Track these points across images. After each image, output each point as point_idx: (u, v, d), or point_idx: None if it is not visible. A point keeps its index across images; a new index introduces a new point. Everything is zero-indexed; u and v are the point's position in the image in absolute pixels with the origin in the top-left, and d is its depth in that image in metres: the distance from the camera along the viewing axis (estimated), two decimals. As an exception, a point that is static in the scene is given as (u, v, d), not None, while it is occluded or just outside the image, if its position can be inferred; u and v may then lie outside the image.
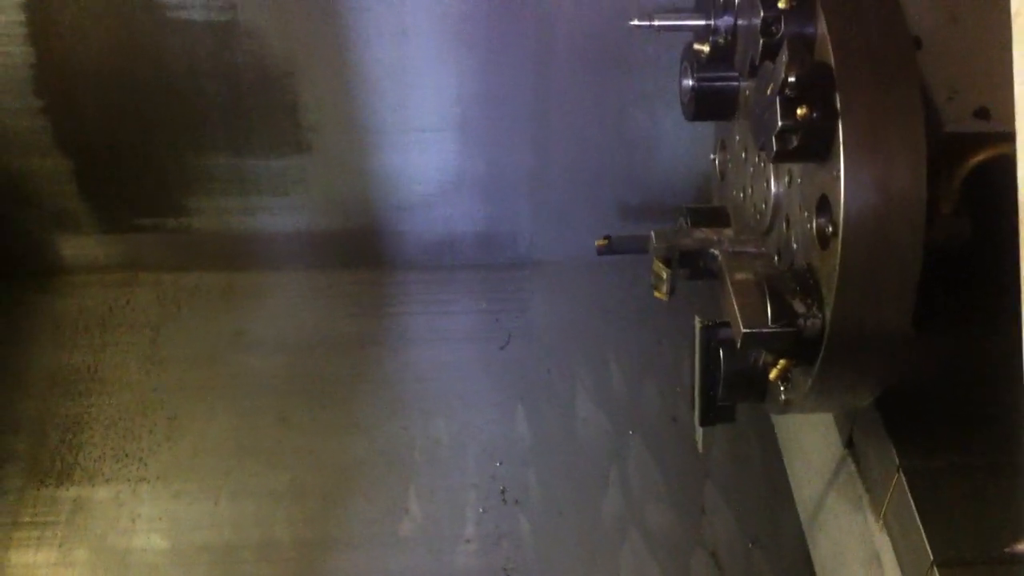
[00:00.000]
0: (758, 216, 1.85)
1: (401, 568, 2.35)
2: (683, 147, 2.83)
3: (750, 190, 1.91)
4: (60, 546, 2.36)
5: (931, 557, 1.70)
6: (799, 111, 1.45)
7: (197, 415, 2.64)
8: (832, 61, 1.44)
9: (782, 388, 1.71)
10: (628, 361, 2.81)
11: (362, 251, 3.03)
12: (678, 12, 1.92)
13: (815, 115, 1.45)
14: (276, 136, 2.75)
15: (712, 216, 2.08)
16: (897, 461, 1.83)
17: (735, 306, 1.60)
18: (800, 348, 1.57)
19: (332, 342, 2.85)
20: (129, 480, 2.49)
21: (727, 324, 1.73)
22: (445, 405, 2.69)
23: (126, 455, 2.54)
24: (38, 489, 2.46)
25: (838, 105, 1.43)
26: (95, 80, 2.60)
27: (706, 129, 2.23)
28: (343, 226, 2.97)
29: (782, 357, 1.63)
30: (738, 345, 1.59)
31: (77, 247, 2.95)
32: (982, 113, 1.66)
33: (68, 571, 2.32)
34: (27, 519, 2.41)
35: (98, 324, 2.85)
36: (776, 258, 1.75)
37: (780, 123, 1.47)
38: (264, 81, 2.62)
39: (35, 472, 2.50)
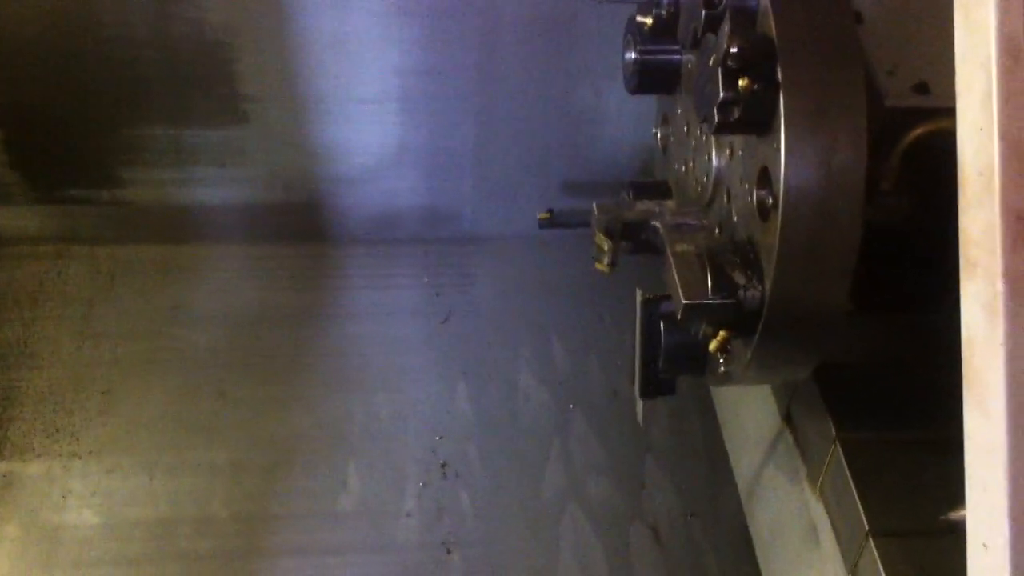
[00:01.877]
0: (699, 189, 1.85)
1: (341, 542, 2.33)
2: (628, 122, 2.83)
3: (692, 163, 1.91)
4: (-11, 522, 2.31)
5: (866, 527, 1.72)
6: (741, 83, 1.44)
7: (132, 390, 2.60)
8: (774, 33, 1.44)
9: (722, 360, 1.72)
10: (570, 336, 2.81)
11: (302, 224, 2.99)
12: (622, -17, 1.91)
13: (756, 87, 1.45)
14: (214, 106, 2.70)
15: (654, 190, 2.09)
16: (834, 433, 1.85)
17: (676, 278, 1.60)
18: (740, 320, 1.58)
19: (272, 316, 2.81)
20: (61, 455, 2.44)
21: (668, 297, 1.74)
22: (386, 380, 2.67)
23: (57, 430, 2.49)
24: (-34, 464, 2.41)
25: (780, 77, 1.43)
26: (27, 46, 2.53)
27: (651, 104, 2.23)
28: (283, 199, 2.93)
29: (722, 329, 1.64)
30: (678, 317, 1.59)
31: (8, 218, 2.88)
32: (922, 88, 1.66)
33: (-3, 547, 2.27)
34: (-45, 494, 2.36)
35: (29, 297, 2.79)
36: (717, 231, 1.75)
37: (721, 94, 1.46)
38: (202, 50, 2.57)
39: (-37, 447, 2.45)
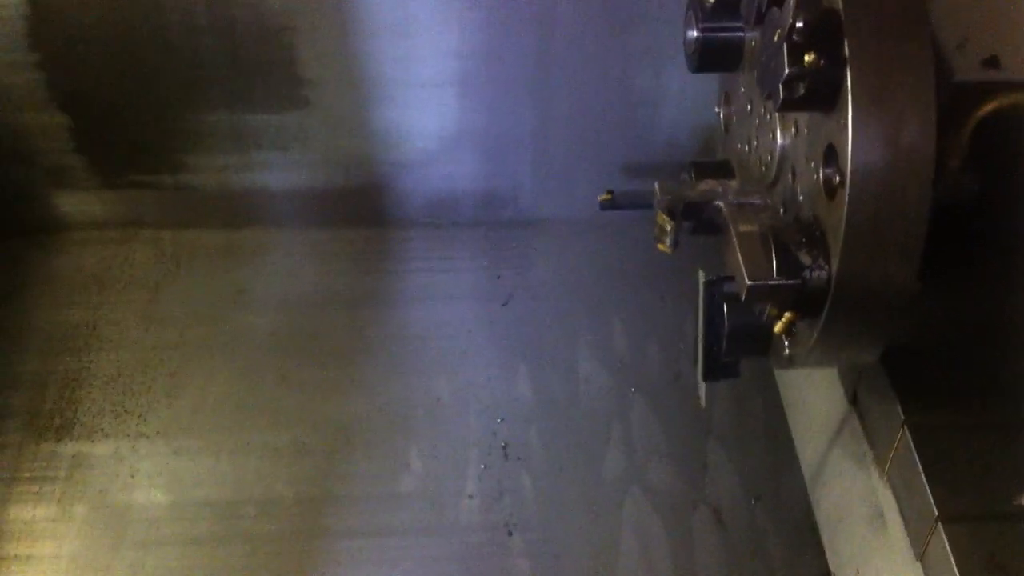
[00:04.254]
0: (763, 168, 1.82)
1: (403, 523, 2.35)
2: (688, 103, 2.79)
3: (755, 142, 1.89)
4: (59, 501, 2.35)
5: (935, 513, 1.69)
6: (807, 57, 1.42)
7: (197, 372, 2.63)
8: (840, 6, 1.41)
9: (786, 342, 1.70)
10: (631, 319, 2.79)
11: (362, 208, 3.00)
12: (683, -41, 1.88)
13: (823, 62, 1.42)
14: (274, 91, 2.71)
15: (716, 170, 2.05)
16: (903, 417, 1.81)
17: (740, 258, 1.58)
18: (805, 301, 1.55)
19: (333, 300, 2.83)
20: (128, 436, 2.48)
21: (731, 278, 1.71)
22: (446, 363, 2.68)
23: (125, 411, 2.53)
24: (37, 444, 2.45)
25: (846, 52, 1.40)
26: (91, 33, 2.55)
27: (711, 85, 2.20)
28: (343, 183, 2.94)
29: (787, 310, 1.62)
30: (742, 298, 1.57)
31: (75, 204, 2.93)
32: (992, 62, 1.62)
33: (67, 526, 2.31)
34: (26, 474, 2.40)
35: (96, 281, 2.84)
36: (782, 210, 1.73)
37: (787, 70, 1.44)
38: (262, 35, 2.57)
39: (34, 427, 2.49)
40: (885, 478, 1.92)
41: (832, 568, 2.25)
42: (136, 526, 2.32)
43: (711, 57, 1.93)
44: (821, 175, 1.51)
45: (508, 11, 2.59)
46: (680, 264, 2.02)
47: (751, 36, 1.84)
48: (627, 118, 2.85)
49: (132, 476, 2.41)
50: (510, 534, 2.34)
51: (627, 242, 2.94)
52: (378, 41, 2.62)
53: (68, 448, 2.46)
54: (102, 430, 2.50)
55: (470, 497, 2.40)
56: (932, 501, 1.71)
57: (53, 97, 2.67)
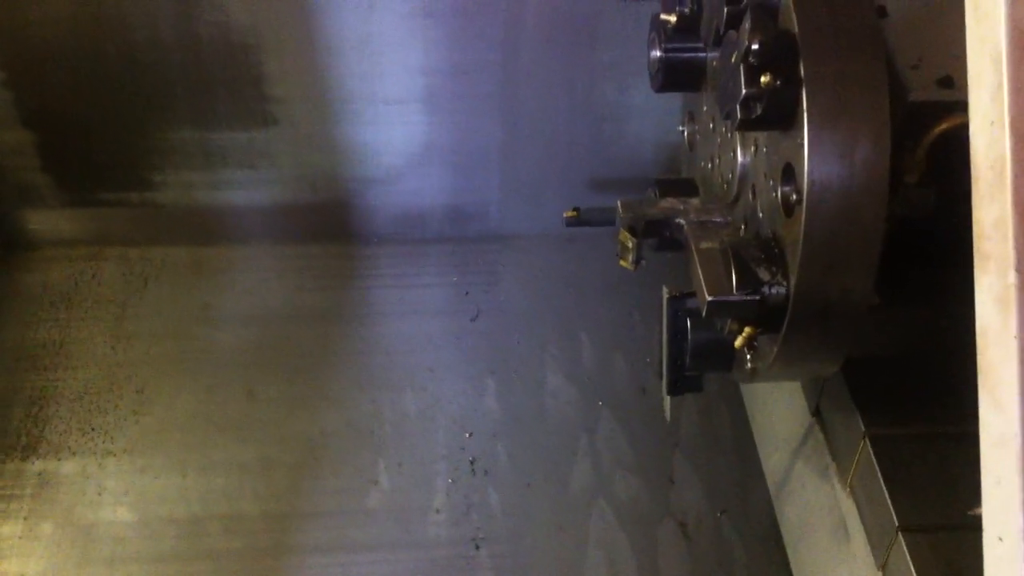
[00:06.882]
0: (725, 186, 1.85)
1: (370, 539, 2.35)
2: (653, 119, 2.82)
3: (717, 160, 1.91)
4: (25, 519, 2.34)
5: (896, 523, 1.71)
6: (763, 79, 1.44)
7: (164, 389, 2.63)
8: (796, 28, 1.44)
9: (748, 357, 1.72)
10: (598, 333, 2.81)
11: (330, 224, 3.01)
12: (645, -20, 1.91)
13: (779, 83, 1.44)
14: (241, 109, 2.72)
15: (680, 187, 2.08)
16: (863, 429, 1.84)
17: (700, 275, 1.60)
18: (765, 316, 1.58)
19: (300, 316, 2.84)
20: (95, 454, 2.48)
21: (694, 294, 1.74)
22: (414, 378, 2.69)
23: (92, 429, 2.52)
24: (3, 463, 2.44)
25: (802, 73, 1.43)
26: (57, 51, 2.56)
27: (676, 101, 2.22)
28: (311, 199, 2.95)
29: (747, 325, 1.64)
30: (703, 313, 1.60)
31: (42, 221, 2.92)
32: (946, 82, 1.66)
33: (33, 544, 2.30)
34: (-8, 493, 2.41)
35: (64, 299, 2.83)
36: (742, 227, 1.75)
37: (744, 91, 1.47)
38: (228, 53, 2.58)
39: (0, 446, 2.48)
40: (847, 490, 1.95)
41: (797, 579, 2.27)
42: (102, 544, 2.32)
43: (674, 77, 1.96)
44: (779, 193, 1.54)
45: (473, 27, 2.60)
46: (647, 278, 2.05)
47: (712, 57, 1.87)
48: (594, 133, 2.88)
49: (99, 494, 2.40)
50: (477, 548, 2.35)
51: (594, 257, 2.97)
52: (344, 58, 2.63)
53: (35, 466, 2.45)
54: (69, 448, 2.49)
55: (437, 512, 2.41)
56: (893, 512, 1.74)
57: (20, 115, 2.66)
